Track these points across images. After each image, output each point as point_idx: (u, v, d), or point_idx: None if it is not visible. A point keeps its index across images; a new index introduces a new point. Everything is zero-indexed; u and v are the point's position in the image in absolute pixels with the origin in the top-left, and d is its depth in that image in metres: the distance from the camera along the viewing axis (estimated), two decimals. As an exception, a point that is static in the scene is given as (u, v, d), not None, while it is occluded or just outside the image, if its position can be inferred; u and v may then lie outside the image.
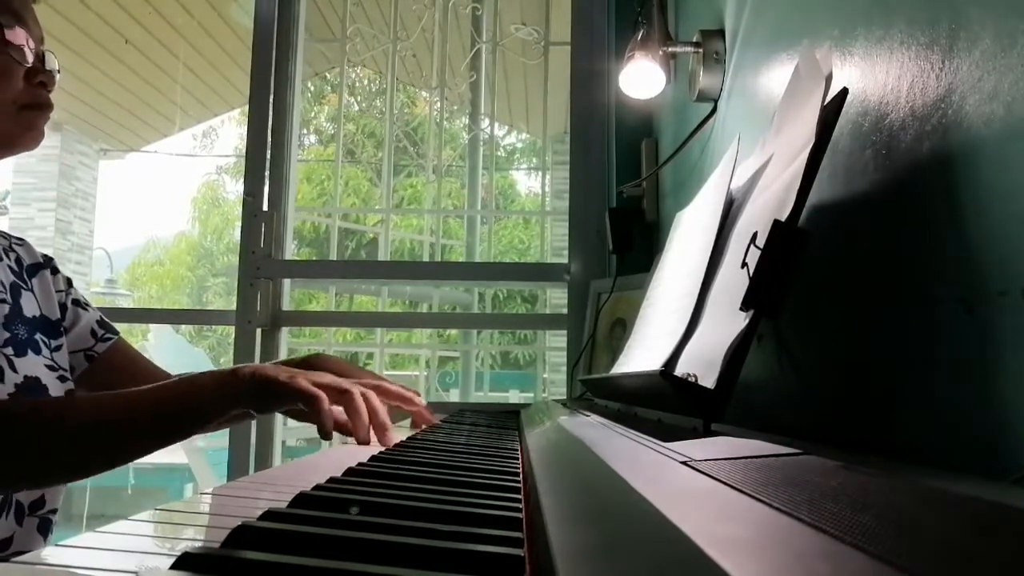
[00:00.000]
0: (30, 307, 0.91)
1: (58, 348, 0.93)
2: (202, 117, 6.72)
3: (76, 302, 1.00)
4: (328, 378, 0.78)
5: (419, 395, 1.01)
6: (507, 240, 10.26)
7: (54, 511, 0.87)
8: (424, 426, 1.02)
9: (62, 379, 0.91)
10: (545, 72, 2.19)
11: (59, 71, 0.91)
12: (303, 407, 0.75)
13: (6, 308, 0.87)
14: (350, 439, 0.81)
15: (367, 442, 0.79)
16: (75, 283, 1.03)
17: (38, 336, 0.90)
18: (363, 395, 0.79)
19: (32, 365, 0.86)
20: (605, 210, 1.66)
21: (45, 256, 0.98)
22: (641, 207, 1.63)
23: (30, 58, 0.85)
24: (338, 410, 0.78)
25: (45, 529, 0.85)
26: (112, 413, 0.73)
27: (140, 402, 0.75)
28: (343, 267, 2.25)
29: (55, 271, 0.98)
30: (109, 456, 0.75)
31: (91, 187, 6.63)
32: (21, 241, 0.97)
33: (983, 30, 0.41)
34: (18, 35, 0.83)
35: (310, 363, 0.98)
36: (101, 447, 0.73)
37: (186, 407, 0.75)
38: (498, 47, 2.38)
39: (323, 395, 0.75)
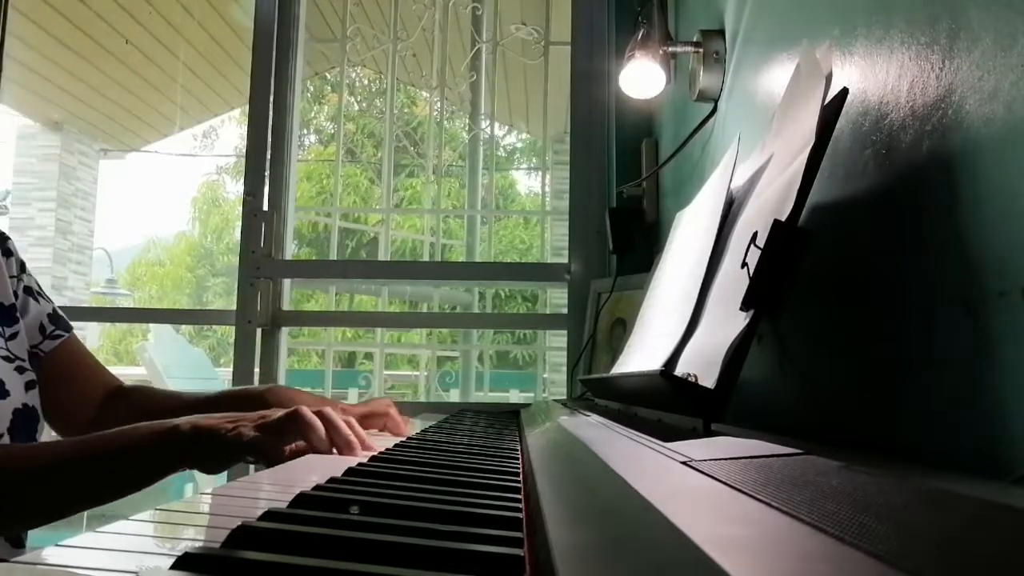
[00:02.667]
0: None
1: (13, 336, 0.86)
2: (202, 117, 6.72)
3: (28, 290, 0.92)
4: (276, 413, 0.71)
5: (390, 405, 0.97)
6: (507, 240, 10.26)
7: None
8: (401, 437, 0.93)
9: (20, 370, 0.85)
10: (545, 72, 2.19)
11: None
12: (251, 460, 0.69)
13: None
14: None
15: (328, 451, 0.73)
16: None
17: None
18: (318, 413, 0.72)
19: None
20: (605, 210, 1.66)
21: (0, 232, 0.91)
22: (641, 207, 1.63)
23: None
24: (298, 444, 0.72)
25: (19, 543, 0.81)
26: (46, 464, 0.68)
27: (76, 455, 0.69)
28: (343, 267, 2.25)
29: (8, 253, 0.90)
30: (44, 510, 0.69)
31: (91, 187, 6.63)
32: None
33: (983, 30, 0.41)
34: None
35: (265, 399, 0.92)
36: (34, 501, 0.68)
37: (118, 469, 0.69)
38: (498, 47, 2.37)
39: (268, 439, 0.68)
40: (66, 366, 0.94)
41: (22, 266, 0.93)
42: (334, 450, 0.71)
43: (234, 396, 0.99)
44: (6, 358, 0.84)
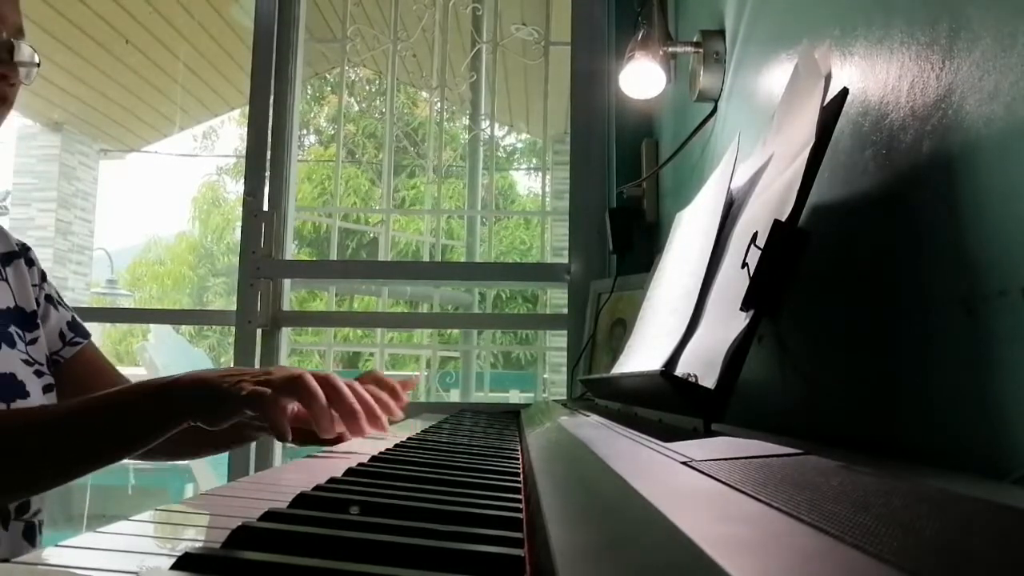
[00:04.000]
0: (5, 298, 0.87)
1: (34, 341, 0.88)
2: (202, 117, 6.72)
3: (49, 298, 0.94)
4: (280, 371, 0.70)
5: (411, 383, 0.93)
6: (508, 240, 10.26)
7: (38, 512, 0.83)
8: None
9: (38, 373, 0.87)
10: (545, 72, 2.19)
11: (37, 65, 0.85)
12: (251, 413, 0.68)
13: None
14: (349, 451, 0.75)
15: (330, 434, 0.71)
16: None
17: (12, 329, 0.85)
18: (323, 378, 0.70)
19: (6, 360, 0.82)
20: (605, 210, 1.66)
21: (21, 244, 0.93)
22: (641, 207, 1.63)
23: None
24: (294, 405, 0.71)
25: (31, 534, 0.82)
26: (47, 423, 0.68)
27: (76, 413, 0.69)
28: (343, 267, 2.25)
29: (30, 262, 0.93)
30: (48, 471, 0.70)
31: (91, 187, 6.63)
32: None
33: (983, 30, 0.41)
34: None
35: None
36: (42, 460, 0.68)
37: (119, 426, 0.69)
38: (498, 47, 2.37)
39: (267, 391, 0.67)
40: (84, 372, 0.95)
41: (43, 275, 0.96)
42: (336, 428, 0.70)
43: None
44: (26, 361, 0.85)
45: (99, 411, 0.69)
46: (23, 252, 0.93)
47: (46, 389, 0.88)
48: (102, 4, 4.09)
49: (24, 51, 0.83)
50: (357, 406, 0.71)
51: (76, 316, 0.98)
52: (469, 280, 2.36)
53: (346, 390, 0.71)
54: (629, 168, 1.69)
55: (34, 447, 0.68)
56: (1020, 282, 0.36)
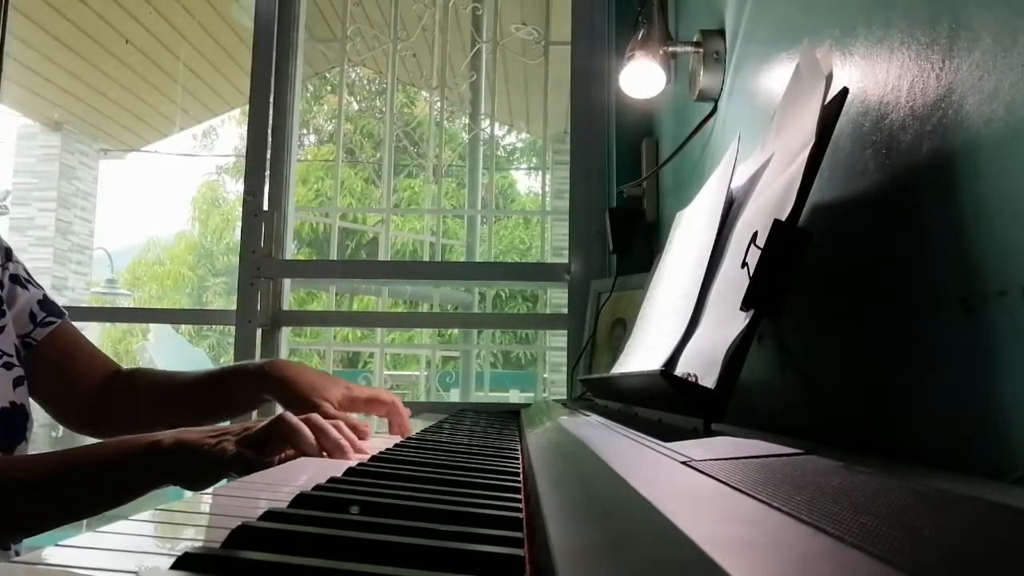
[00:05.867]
0: None
1: (0, 330, 0.84)
2: (202, 117, 6.72)
3: (15, 278, 0.89)
4: (259, 424, 0.69)
5: (396, 399, 0.95)
6: (508, 240, 10.26)
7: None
8: (401, 436, 0.92)
9: (7, 366, 0.83)
10: (545, 72, 2.19)
11: None
12: (237, 475, 0.65)
13: None
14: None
15: (319, 455, 0.71)
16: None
17: None
18: (309, 420, 0.70)
19: None
20: (605, 210, 1.66)
21: None
22: (641, 207, 1.63)
23: None
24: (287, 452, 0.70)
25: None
26: (24, 478, 0.66)
27: (55, 470, 0.67)
28: (343, 267, 2.25)
29: None
30: (21, 524, 0.68)
31: (91, 187, 6.63)
32: None
33: (983, 30, 0.41)
34: None
35: (265, 372, 0.91)
36: (11, 515, 0.67)
37: (102, 485, 0.67)
38: (498, 47, 2.37)
39: (251, 455, 0.65)
40: (60, 352, 0.91)
41: (8, 253, 0.90)
42: (324, 454, 0.70)
43: (234, 372, 0.96)
44: None
45: (79, 467, 0.67)
46: None
47: (16, 383, 0.84)
48: (102, 4, 4.09)
49: None
50: (343, 440, 0.70)
51: (47, 295, 0.94)
52: (469, 280, 2.35)
53: (328, 427, 0.70)
54: (629, 168, 1.69)
55: (10, 502, 0.66)
56: (1020, 282, 0.36)
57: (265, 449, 0.67)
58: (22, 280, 0.91)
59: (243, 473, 0.65)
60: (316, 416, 0.71)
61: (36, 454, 0.71)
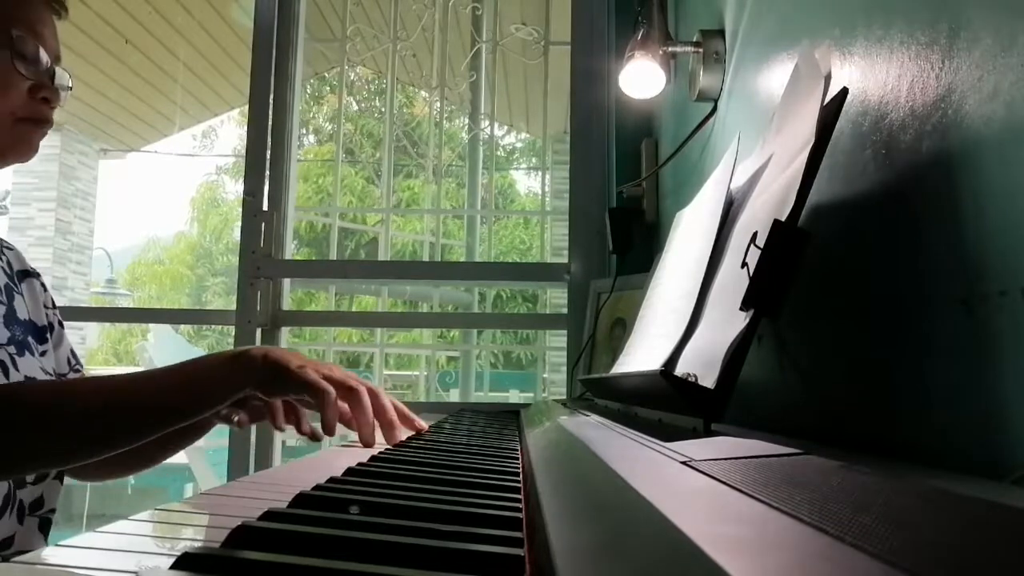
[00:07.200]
0: (22, 310, 0.91)
1: (44, 354, 0.92)
2: (202, 117, 6.72)
3: (62, 324, 0.99)
4: (338, 373, 0.78)
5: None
6: (508, 240, 10.26)
7: (53, 511, 0.86)
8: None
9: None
10: (545, 72, 2.19)
11: (70, 88, 0.91)
12: (309, 399, 0.75)
13: (3, 308, 0.86)
14: (354, 442, 0.80)
15: (370, 443, 0.78)
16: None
17: (29, 339, 0.89)
18: (371, 392, 0.79)
19: (30, 366, 0.86)
20: (605, 210, 1.66)
21: (34, 269, 0.99)
22: (641, 207, 1.63)
23: (37, 73, 0.84)
24: (343, 407, 0.78)
25: (45, 529, 0.85)
26: (114, 394, 0.73)
27: (145, 381, 0.75)
28: (343, 267, 2.25)
29: (44, 287, 0.98)
30: (112, 438, 0.74)
31: (91, 187, 6.63)
32: (11, 247, 0.96)
33: (983, 30, 0.41)
34: (29, 47, 0.83)
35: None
36: (102, 429, 0.72)
37: (194, 386, 0.74)
38: (498, 47, 2.37)
39: (331, 389, 0.74)
40: None
41: (54, 303, 1.00)
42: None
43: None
44: (43, 370, 0.88)
45: (174, 374, 0.75)
46: (36, 275, 0.98)
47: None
48: (102, 4, 4.09)
49: (63, 76, 0.90)
50: (396, 419, 0.80)
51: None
52: (469, 280, 2.35)
53: (391, 410, 0.80)
54: (629, 168, 1.69)
55: (110, 405, 0.72)
56: (1020, 282, 0.36)
57: (337, 400, 0.75)
58: (62, 328, 0.99)
59: (315, 400, 0.74)
60: (380, 391, 0.81)
61: (128, 373, 0.78)
